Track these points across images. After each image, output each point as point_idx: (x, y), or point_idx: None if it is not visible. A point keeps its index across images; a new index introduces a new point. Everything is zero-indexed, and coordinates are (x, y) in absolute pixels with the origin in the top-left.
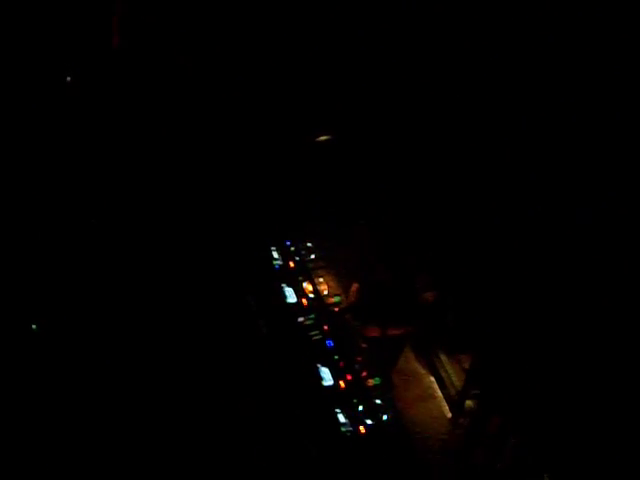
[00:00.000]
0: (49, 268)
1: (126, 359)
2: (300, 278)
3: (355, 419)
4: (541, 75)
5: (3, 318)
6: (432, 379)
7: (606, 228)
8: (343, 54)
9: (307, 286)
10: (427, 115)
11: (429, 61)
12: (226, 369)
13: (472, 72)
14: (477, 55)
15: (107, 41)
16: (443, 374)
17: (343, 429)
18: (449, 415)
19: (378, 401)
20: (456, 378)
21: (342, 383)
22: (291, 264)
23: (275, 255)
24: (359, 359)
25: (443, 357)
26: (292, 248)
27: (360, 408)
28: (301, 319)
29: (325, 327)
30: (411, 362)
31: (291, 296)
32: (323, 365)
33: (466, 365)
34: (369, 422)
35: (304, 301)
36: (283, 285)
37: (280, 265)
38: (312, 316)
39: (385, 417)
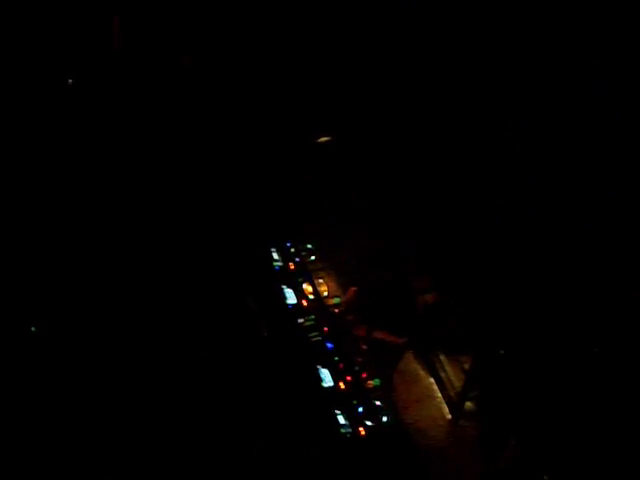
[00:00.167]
0: (49, 269)
1: (126, 360)
2: (300, 279)
3: (355, 420)
4: (541, 75)
5: (3, 320)
6: (432, 380)
7: (606, 228)
8: (343, 55)
9: (307, 287)
10: (427, 115)
11: (429, 61)
12: (226, 370)
13: (472, 73)
14: (477, 55)
15: (108, 42)
16: (443, 375)
17: (343, 430)
18: (449, 416)
19: (378, 402)
20: (456, 379)
21: (342, 384)
22: (291, 265)
23: (275, 256)
24: (359, 360)
25: (443, 358)
26: (292, 249)
27: (360, 409)
28: (301, 320)
29: (325, 328)
30: (411, 363)
31: (291, 297)
32: (323, 366)
33: (466, 366)
34: (369, 423)
35: (304, 302)
36: (283, 286)
37: (280, 266)
38: (312, 317)
39: (385, 418)
